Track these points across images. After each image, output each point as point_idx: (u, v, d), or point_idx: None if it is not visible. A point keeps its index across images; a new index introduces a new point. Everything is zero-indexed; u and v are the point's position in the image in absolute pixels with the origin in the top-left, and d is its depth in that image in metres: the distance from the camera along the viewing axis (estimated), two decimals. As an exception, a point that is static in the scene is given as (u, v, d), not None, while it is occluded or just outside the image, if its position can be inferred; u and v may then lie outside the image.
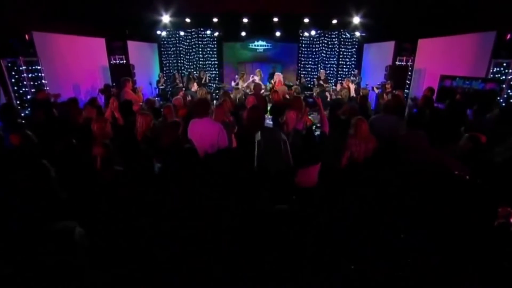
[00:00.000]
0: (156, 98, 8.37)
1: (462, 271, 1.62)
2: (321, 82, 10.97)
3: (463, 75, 6.45)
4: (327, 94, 10.57)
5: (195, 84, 6.79)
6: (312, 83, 12.41)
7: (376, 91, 7.52)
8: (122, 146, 3.20)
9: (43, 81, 6.59)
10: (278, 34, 11.07)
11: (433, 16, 7.40)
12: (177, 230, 1.85)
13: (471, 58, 6.43)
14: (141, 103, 5.51)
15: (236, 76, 11.75)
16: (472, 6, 6.04)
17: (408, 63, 8.75)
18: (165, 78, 10.72)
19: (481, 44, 6.16)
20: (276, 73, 9.81)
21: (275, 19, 10.28)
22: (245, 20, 10.24)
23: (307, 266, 1.66)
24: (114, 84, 8.14)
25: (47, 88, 6.49)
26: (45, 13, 6.55)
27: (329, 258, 1.74)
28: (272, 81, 9.93)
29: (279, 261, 1.65)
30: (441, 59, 7.49)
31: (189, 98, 5.21)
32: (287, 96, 7.04)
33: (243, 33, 11.17)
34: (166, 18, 9.61)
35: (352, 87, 7.45)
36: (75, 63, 7.43)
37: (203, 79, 9.96)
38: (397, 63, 9.07)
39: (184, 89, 6.30)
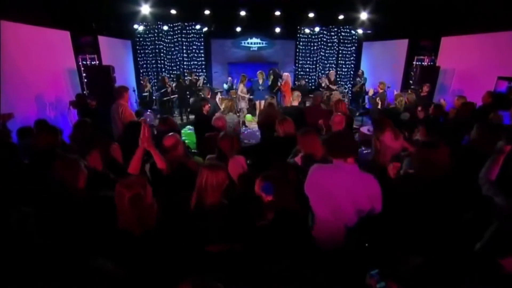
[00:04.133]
0: (148, 111, 6.40)
1: (462, 271, 1.52)
2: (327, 83, 9.89)
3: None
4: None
5: (218, 93, 5.09)
6: (311, 84, 11.26)
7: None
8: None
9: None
10: (278, 30, 9.71)
11: (463, 11, 6.65)
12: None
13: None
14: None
15: (229, 78, 10.16)
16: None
17: (430, 63, 7.99)
18: (150, 83, 8.67)
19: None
20: (285, 73, 8.48)
21: (277, 13, 8.89)
22: (242, 13, 8.68)
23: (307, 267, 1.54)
24: (86, 93, 6.05)
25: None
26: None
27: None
28: (280, 82, 8.57)
29: (279, 261, 1.54)
30: (476, 58, 6.78)
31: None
32: (322, 105, 5.72)
33: (238, 29, 9.60)
34: (145, 9, 7.75)
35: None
36: (29, 65, 5.01)
37: (198, 83, 8.19)
38: (416, 63, 8.28)
39: (207, 100, 4.50)
